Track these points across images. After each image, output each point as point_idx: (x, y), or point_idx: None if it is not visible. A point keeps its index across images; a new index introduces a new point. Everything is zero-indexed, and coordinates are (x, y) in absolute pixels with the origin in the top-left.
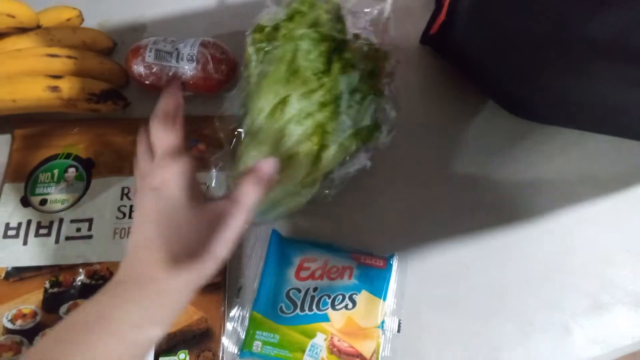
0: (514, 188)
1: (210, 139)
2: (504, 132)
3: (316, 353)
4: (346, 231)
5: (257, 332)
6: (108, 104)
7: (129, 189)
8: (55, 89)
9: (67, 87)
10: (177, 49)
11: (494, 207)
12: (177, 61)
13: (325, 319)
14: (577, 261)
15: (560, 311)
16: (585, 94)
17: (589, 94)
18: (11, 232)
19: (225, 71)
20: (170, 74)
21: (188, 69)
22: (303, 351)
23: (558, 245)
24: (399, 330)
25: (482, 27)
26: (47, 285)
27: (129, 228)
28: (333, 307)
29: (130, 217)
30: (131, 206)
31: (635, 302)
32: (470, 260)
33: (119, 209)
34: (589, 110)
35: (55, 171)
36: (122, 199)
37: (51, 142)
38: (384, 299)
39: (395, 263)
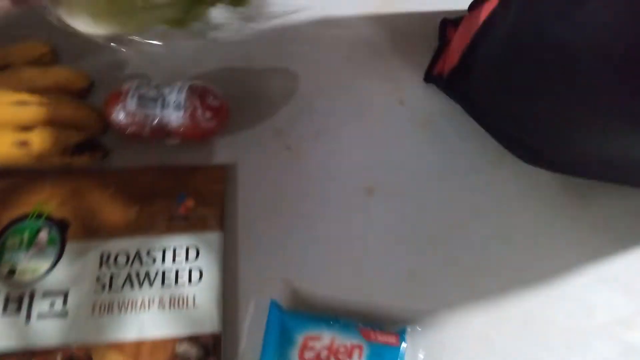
0: (531, 244)
1: (200, 193)
2: (518, 182)
3: None
4: (351, 297)
5: None
6: (84, 156)
7: (109, 255)
8: (24, 144)
9: (38, 140)
10: (162, 94)
11: (512, 267)
12: (162, 109)
13: None
14: (596, 325)
15: None
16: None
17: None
18: None
19: (215, 119)
20: (154, 123)
21: (174, 118)
22: None
23: (575, 310)
24: None
25: (502, 80)
26: None
27: (111, 302)
28: None
29: (111, 288)
30: (112, 276)
31: None
32: (489, 330)
33: (97, 280)
34: (610, 161)
35: (25, 235)
36: (101, 267)
37: (20, 199)
38: None
39: (408, 338)
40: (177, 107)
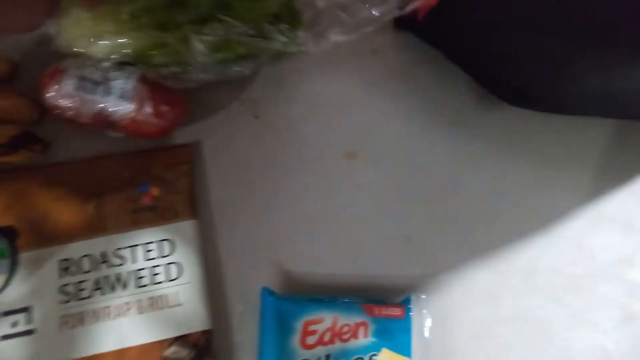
0: (525, 192)
1: (164, 179)
2: (507, 127)
3: None
4: (348, 273)
5: None
6: (21, 152)
7: (70, 261)
8: None
9: None
10: (107, 79)
11: (508, 219)
12: (104, 95)
13: None
14: (598, 268)
15: (593, 329)
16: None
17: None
18: None
19: (169, 115)
20: (94, 110)
21: (119, 109)
22: None
23: (576, 253)
24: None
25: (486, 12)
26: None
27: (82, 313)
28: None
29: (80, 298)
30: (79, 283)
31: None
32: (494, 287)
33: (61, 290)
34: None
35: None
36: (63, 275)
37: None
38: (409, 355)
39: (413, 307)
40: (122, 96)
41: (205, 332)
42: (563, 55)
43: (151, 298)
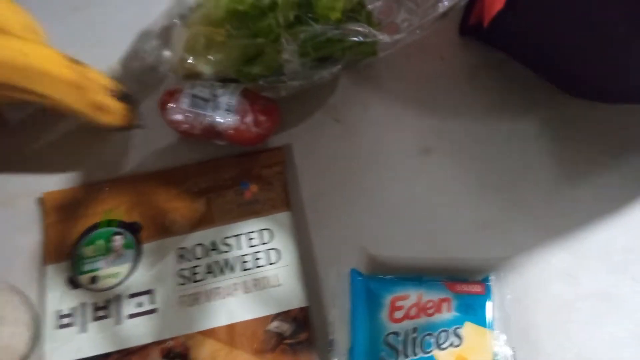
0: (599, 175)
1: (262, 177)
2: (576, 118)
3: None
4: (429, 255)
5: None
6: (121, 108)
7: (185, 249)
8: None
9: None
10: (215, 95)
11: (583, 202)
12: (214, 110)
13: None
14: None
15: None
16: None
17: None
18: (65, 321)
19: (266, 124)
20: (205, 123)
21: (224, 120)
22: None
23: None
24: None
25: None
26: None
27: (196, 294)
28: (438, 346)
29: (194, 281)
30: (193, 268)
31: None
32: (570, 266)
33: (179, 274)
34: None
35: (100, 242)
36: (180, 261)
37: (87, 209)
38: (491, 328)
39: (493, 285)
40: (228, 110)
41: (303, 309)
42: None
43: (255, 279)
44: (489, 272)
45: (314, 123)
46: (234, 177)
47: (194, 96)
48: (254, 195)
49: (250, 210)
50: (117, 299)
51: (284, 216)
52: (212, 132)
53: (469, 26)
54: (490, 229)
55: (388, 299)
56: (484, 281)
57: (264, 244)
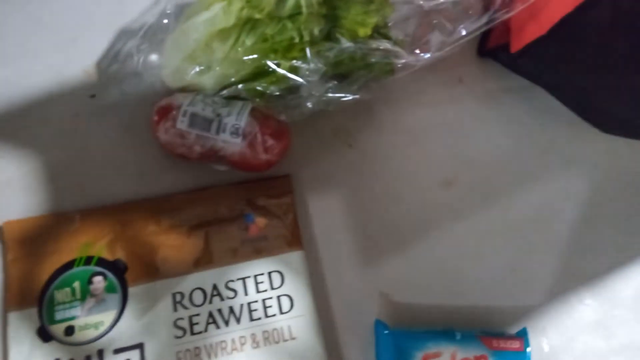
0: (627, 217)
1: (269, 210)
2: (601, 154)
3: None
4: (455, 303)
5: None
6: None
7: (182, 294)
8: None
9: None
10: (219, 115)
11: (615, 244)
12: (218, 132)
13: None
14: None
15: None
16: None
17: None
18: None
19: (276, 150)
20: (205, 146)
21: (230, 144)
22: None
23: None
24: None
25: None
26: None
27: (196, 349)
28: None
29: (193, 333)
30: (192, 317)
31: None
32: (603, 316)
33: (175, 324)
34: None
35: (76, 284)
36: (176, 309)
37: (58, 243)
38: None
39: (530, 340)
40: (235, 132)
41: None
42: None
43: (265, 332)
44: (522, 322)
45: (325, 148)
46: (237, 208)
47: (194, 115)
48: (261, 231)
49: (256, 249)
50: (99, 354)
51: (295, 256)
52: (212, 156)
53: (489, 48)
54: (519, 274)
55: (419, 356)
56: (521, 335)
57: (273, 289)
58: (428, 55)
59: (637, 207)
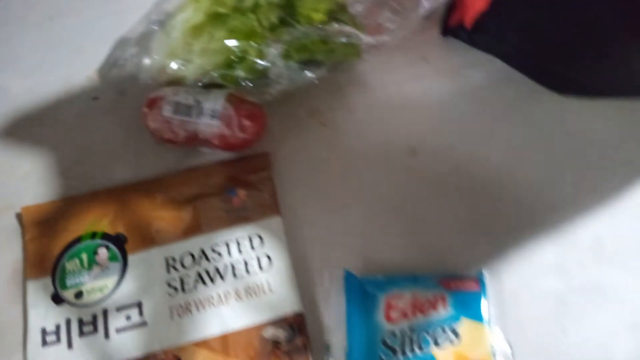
0: (583, 171)
1: (250, 184)
2: (558, 115)
3: None
4: (421, 254)
5: None
6: None
7: (173, 259)
8: None
9: None
10: (198, 101)
11: (569, 196)
12: (198, 117)
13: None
14: None
15: None
16: None
17: None
18: (51, 338)
19: (252, 129)
20: (189, 130)
21: (209, 126)
22: None
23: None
24: (512, 355)
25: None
26: None
27: (187, 304)
28: (436, 344)
29: (184, 290)
30: (183, 277)
31: None
32: (564, 261)
33: (168, 284)
34: None
35: (84, 256)
36: (169, 271)
37: (68, 223)
38: (488, 323)
39: (487, 281)
40: (212, 116)
41: (297, 315)
42: (611, 41)
43: (247, 287)
44: (482, 266)
45: (300, 127)
46: (220, 184)
47: (177, 103)
48: (242, 202)
49: (239, 217)
50: (104, 313)
51: (274, 221)
52: (196, 139)
53: (451, 27)
54: (482, 226)
55: (383, 299)
56: (478, 277)
57: (254, 249)
58: (385, 37)
59: (591, 162)
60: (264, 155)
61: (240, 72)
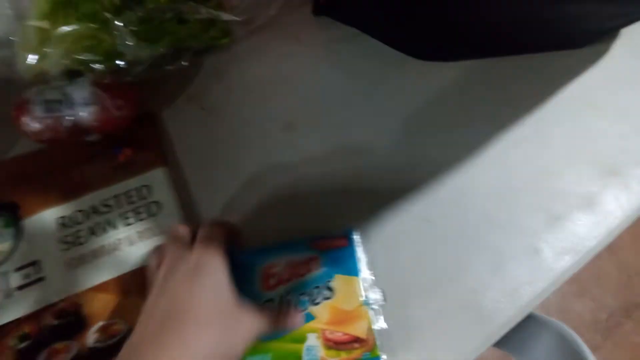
0: (449, 127)
1: (135, 141)
2: (425, 80)
3: (314, 354)
4: (297, 222)
5: (247, 358)
6: None
7: (65, 217)
8: None
9: None
10: (65, 93)
11: (434, 154)
12: (72, 108)
13: (310, 317)
14: (522, 182)
15: (523, 235)
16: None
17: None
18: None
19: (127, 105)
20: (68, 123)
21: (86, 114)
22: (300, 358)
23: (500, 173)
24: (385, 300)
25: None
26: (15, 342)
27: (82, 255)
28: (313, 302)
29: (79, 244)
30: (76, 232)
31: (586, 203)
32: (428, 214)
33: (62, 241)
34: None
35: None
36: (62, 230)
37: None
38: (359, 275)
39: (356, 236)
40: (84, 103)
41: None
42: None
43: (139, 232)
44: (353, 227)
45: (180, 113)
46: (106, 145)
47: (46, 101)
48: (129, 158)
49: (126, 172)
50: (4, 274)
51: (160, 172)
52: (79, 130)
53: (321, 5)
54: (352, 193)
55: (260, 269)
56: (346, 234)
57: (143, 199)
58: (251, 15)
59: (456, 118)
60: (148, 115)
61: (93, 57)
